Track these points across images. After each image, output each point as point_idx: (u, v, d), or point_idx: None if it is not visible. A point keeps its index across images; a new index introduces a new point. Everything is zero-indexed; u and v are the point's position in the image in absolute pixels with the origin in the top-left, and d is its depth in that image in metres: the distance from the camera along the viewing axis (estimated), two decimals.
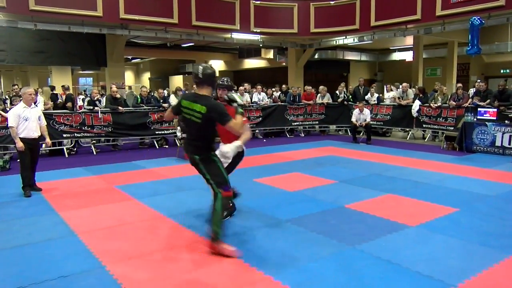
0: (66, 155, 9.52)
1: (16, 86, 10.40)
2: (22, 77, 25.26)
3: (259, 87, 12.72)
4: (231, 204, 4.71)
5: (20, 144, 5.81)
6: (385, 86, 13.60)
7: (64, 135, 9.49)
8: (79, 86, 27.54)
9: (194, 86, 3.92)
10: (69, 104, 10.18)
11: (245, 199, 5.58)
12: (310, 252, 3.80)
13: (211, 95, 3.81)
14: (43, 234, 4.34)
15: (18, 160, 6.10)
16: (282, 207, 5.21)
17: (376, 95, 12.65)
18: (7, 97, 11.75)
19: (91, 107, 9.94)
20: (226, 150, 4.19)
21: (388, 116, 12.08)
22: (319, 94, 13.32)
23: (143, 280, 3.30)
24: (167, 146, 10.92)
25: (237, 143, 4.14)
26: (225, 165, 4.23)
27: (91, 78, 31.08)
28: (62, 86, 12.57)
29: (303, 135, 13.19)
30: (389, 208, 5.13)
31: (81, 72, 25.39)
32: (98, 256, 3.73)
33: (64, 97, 11.35)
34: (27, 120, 5.86)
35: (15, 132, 5.83)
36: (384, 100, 12.66)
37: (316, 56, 18.20)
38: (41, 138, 6.23)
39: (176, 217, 4.81)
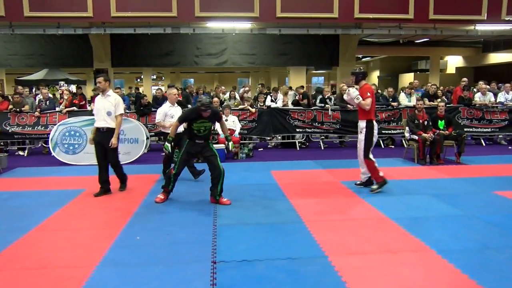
0: (297, 148, 10.40)
1: (260, 85, 12.11)
2: (266, 77, 28.84)
3: (507, 85, 10.92)
4: None
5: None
6: None
7: (297, 130, 10.37)
8: (311, 84, 29.62)
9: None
10: (304, 101, 11.04)
11: (483, 212, 4.95)
12: None
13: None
14: (277, 217, 4.86)
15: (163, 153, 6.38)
16: None
17: None
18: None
19: (323, 105, 10.52)
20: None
21: None
22: None
23: (362, 276, 3.32)
24: (393, 146, 10.62)
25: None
26: None
27: (323, 77, 32.98)
28: (301, 86, 13.88)
29: None
30: None
31: (314, 71, 27.24)
32: (322, 246, 3.94)
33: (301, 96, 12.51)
34: (173, 117, 6.39)
35: (163, 125, 6.53)
36: None
37: None
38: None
39: (401, 221, 4.63)
